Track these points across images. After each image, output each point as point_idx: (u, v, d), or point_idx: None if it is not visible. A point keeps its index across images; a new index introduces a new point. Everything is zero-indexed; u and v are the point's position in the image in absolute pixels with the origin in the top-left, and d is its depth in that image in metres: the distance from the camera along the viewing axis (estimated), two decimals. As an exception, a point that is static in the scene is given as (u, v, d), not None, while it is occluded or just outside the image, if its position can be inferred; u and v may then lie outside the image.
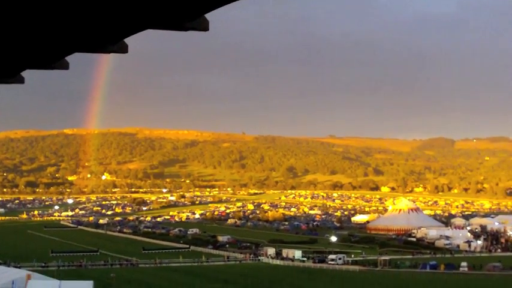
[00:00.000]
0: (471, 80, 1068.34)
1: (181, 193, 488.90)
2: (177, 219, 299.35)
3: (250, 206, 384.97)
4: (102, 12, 11.98)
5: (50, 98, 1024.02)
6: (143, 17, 12.31)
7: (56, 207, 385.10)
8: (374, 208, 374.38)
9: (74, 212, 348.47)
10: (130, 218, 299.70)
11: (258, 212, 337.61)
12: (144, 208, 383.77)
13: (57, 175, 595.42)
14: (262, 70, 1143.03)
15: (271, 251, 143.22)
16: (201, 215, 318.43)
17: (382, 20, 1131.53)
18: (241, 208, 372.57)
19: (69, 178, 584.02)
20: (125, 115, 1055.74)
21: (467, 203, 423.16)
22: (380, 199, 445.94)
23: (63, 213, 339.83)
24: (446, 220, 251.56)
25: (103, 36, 13.98)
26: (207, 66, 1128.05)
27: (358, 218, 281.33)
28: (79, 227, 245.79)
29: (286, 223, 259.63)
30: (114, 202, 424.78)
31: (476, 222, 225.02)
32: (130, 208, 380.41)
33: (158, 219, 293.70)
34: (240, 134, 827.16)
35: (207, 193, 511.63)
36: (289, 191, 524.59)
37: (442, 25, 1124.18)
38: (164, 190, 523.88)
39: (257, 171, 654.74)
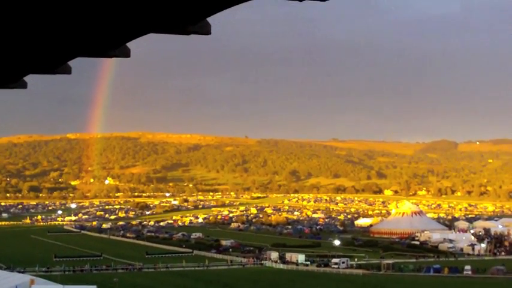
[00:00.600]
0: (474, 82, 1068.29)
1: (184, 197, 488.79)
2: (180, 223, 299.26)
3: (254, 210, 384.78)
4: (105, 17, 11.97)
5: (53, 102, 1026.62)
6: (145, 21, 12.32)
7: (59, 212, 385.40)
8: (377, 211, 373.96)
9: (77, 217, 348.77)
10: (134, 222, 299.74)
11: (261, 215, 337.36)
12: (147, 212, 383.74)
13: (60, 180, 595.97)
14: (265, 73, 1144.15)
15: (274, 255, 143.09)
16: (204, 219, 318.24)
17: (384, 22, 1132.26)
18: (244, 212, 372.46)
19: (72, 183, 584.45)
20: (128, 119, 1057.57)
21: (470, 205, 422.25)
22: (383, 202, 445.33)
23: (67, 218, 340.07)
24: (449, 223, 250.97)
25: (105, 41, 13.99)
26: (209, 69, 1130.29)
27: (362, 222, 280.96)
28: (82, 231, 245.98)
29: (290, 227, 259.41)
30: (117, 206, 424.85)
31: (480, 225, 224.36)
32: (133, 212, 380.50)
33: (161, 223, 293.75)
34: (243, 137, 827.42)
35: (210, 197, 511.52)
36: (292, 195, 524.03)
37: (445, 26, 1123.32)
38: (167, 194, 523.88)
39: (260, 175, 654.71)
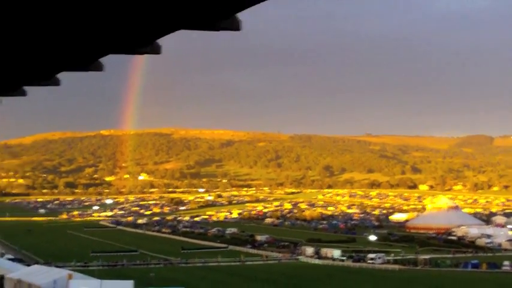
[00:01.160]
0: (509, 76, 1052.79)
1: (218, 193, 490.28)
2: (215, 218, 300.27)
3: (288, 205, 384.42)
4: (135, 14, 12.03)
5: (86, 99, 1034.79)
6: (176, 18, 12.31)
7: (95, 207, 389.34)
8: (412, 207, 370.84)
9: (112, 212, 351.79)
10: (169, 218, 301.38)
11: (295, 211, 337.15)
12: (182, 208, 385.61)
13: (95, 176, 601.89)
14: (297, 69, 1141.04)
15: (309, 250, 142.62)
16: (238, 214, 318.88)
17: (416, 17, 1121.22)
18: (278, 207, 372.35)
19: (107, 179, 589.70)
20: (160, 115, 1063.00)
21: (508, 200, 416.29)
22: (418, 197, 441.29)
23: (102, 214, 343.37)
24: (486, 218, 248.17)
25: (136, 38, 14.08)
26: (240, 65, 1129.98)
27: (397, 217, 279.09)
28: (118, 227, 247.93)
29: (324, 222, 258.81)
30: (152, 202, 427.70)
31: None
32: (168, 208, 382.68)
33: (196, 218, 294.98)
34: (276, 133, 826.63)
35: (244, 192, 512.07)
36: (326, 190, 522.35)
37: (478, 21, 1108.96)
38: (201, 190, 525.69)
39: (293, 170, 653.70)
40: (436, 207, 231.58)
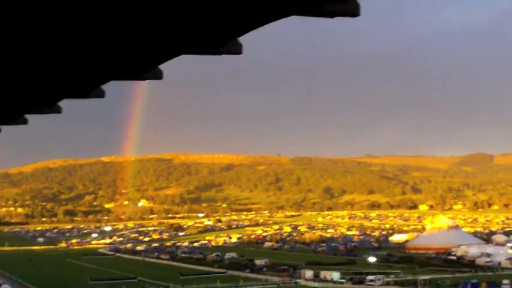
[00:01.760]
0: (508, 94, 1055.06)
1: (218, 217, 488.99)
2: (214, 243, 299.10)
3: (287, 229, 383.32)
4: (137, 41, 12.14)
5: (87, 126, 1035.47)
6: (177, 43, 12.42)
7: (94, 235, 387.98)
8: (412, 227, 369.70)
9: (111, 240, 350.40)
10: (168, 243, 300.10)
11: (295, 234, 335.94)
12: (181, 233, 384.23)
13: (94, 203, 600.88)
14: (296, 90, 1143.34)
15: (309, 273, 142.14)
16: (238, 238, 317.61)
17: (416, 35, 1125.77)
18: (278, 231, 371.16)
19: (107, 206, 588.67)
20: (161, 141, 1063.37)
21: (508, 219, 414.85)
22: (418, 217, 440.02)
23: (101, 241, 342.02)
24: (487, 237, 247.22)
25: (138, 64, 14.18)
26: (239, 87, 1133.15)
27: (397, 238, 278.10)
28: (117, 254, 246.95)
29: (324, 245, 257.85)
30: (152, 228, 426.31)
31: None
32: (167, 234, 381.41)
33: (195, 244, 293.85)
34: (276, 156, 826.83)
35: (244, 216, 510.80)
36: (326, 212, 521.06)
37: (477, 37, 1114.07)
38: (201, 215, 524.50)
39: (294, 193, 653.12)
40: (436, 227, 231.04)
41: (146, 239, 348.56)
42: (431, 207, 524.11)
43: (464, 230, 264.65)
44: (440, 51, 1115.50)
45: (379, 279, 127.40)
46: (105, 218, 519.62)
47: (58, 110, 18.96)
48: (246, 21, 11.28)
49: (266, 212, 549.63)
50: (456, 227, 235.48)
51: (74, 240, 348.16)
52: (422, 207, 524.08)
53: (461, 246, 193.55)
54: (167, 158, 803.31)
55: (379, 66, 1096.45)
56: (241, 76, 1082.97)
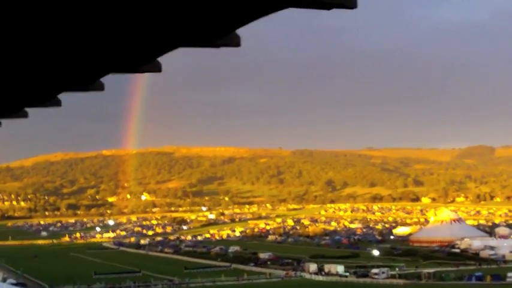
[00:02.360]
0: (508, 86, 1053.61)
1: (221, 211, 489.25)
2: (217, 237, 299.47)
3: (290, 222, 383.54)
4: (135, 33, 12.11)
5: (87, 119, 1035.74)
6: (175, 36, 12.40)
7: (98, 228, 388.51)
8: (415, 220, 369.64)
9: (115, 233, 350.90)
10: (171, 237, 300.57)
11: (298, 227, 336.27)
12: (185, 227, 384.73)
13: (97, 197, 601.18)
14: (297, 84, 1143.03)
15: (312, 266, 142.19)
16: (241, 232, 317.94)
17: (416, 31, 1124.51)
18: (281, 224, 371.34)
19: (109, 199, 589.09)
20: (162, 134, 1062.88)
21: (510, 211, 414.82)
22: (421, 210, 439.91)
23: (105, 235, 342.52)
24: (490, 230, 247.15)
25: (136, 57, 14.19)
26: (240, 81, 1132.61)
27: (400, 231, 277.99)
28: (120, 248, 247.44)
29: (327, 238, 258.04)
30: (155, 222, 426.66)
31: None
32: (170, 227, 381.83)
33: (199, 237, 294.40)
34: (277, 149, 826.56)
35: (246, 210, 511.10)
36: (328, 205, 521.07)
37: (478, 33, 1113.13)
38: (203, 208, 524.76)
39: (295, 186, 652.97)
40: (439, 220, 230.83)
41: (150, 232, 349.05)
42: (433, 199, 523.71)
43: (467, 222, 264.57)
44: (441, 48, 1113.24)
45: (383, 272, 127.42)
46: (108, 211, 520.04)
47: (58, 103, 18.96)
48: (244, 13, 11.24)
49: (268, 205, 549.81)
50: (459, 219, 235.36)
51: (78, 234, 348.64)
52: (425, 200, 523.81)
53: (465, 239, 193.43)
54: (168, 151, 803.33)
55: (380, 61, 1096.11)
56: (241, 71, 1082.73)
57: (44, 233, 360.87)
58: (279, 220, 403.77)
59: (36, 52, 13.07)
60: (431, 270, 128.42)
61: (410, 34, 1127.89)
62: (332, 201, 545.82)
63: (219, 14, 11.25)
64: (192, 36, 12.44)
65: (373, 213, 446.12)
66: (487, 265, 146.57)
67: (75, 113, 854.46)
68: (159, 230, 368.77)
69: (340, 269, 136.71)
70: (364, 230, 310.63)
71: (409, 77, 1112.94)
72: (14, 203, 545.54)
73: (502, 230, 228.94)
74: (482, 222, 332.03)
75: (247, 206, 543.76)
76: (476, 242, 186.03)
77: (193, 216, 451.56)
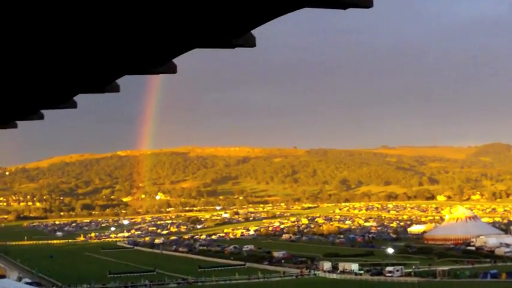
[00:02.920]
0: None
1: (235, 210, 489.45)
2: (231, 236, 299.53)
3: (305, 221, 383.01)
4: (151, 35, 12.16)
5: (103, 121, 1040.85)
6: (191, 37, 12.37)
7: (112, 228, 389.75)
8: (430, 218, 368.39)
9: (129, 233, 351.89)
10: (185, 236, 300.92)
11: (312, 226, 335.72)
12: (199, 226, 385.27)
13: (112, 197, 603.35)
14: (311, 83, 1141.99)
15: (327, 265, 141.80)
16: (255, 231, 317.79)
17: (431, 27, 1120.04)
18: (295, 223, 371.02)
19: (124, 199, 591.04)
20: (177, 134, 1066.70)
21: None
22: (436, 208, 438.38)
23: (120, 235, 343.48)
24: (505, 227, 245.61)
25: (152, 58, 14.17)
26: (255, 81, 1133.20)
27: (415, 229, 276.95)
28: (135, 247, 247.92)
29: (342, 236, 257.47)
30: (169, 221, 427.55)
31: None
32: (185, 227, 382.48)
33: (213, 236, 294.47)
34: (291, 148, 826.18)
35: (261, 209, 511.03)
36: (343, 204, 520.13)
37: (494, 29, 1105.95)
38: (218, 207, 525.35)
39: (310, 185, 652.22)
40: (454, 218, 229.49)
41: (164, 232, 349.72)
42: (449, 197, 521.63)
43: (482, 220, 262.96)
44: (456, 44, 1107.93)
45: (397, 270, 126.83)
46: (123, 211, 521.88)
47: (73, 105, 18.96)
48: (260, 13, 11.22)
49: (283, 204, 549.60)
50: (475, 217, 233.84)
51: (93, 234, 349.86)
52: (440, 198, 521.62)
53: (480, 237, 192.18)
54: (183, 152, 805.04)
55: (396, 59, 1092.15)
56: (256, 70, 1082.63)
57: (59, 233, 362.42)
58: (293, 219, 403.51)
59: (52, 54, 13.11)
60: (446, 268, 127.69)
61: (426, 31, 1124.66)
62: (347, 200, 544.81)
63: (235, 14, 11.23)
64: (208, 37, 12.46)
65: (388, 212, 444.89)
66: (502, 262, 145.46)
67: (90, 114, 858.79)
68: (173, 229, 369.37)
69: (354, 267, 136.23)
70: (378, 228, 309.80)
71: (425, 75, 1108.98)
72: (30, 203, 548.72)
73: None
74: (497, 220, 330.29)
75: (261, 205, 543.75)
76: (492, 240, 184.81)
77: (207, 216, 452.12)
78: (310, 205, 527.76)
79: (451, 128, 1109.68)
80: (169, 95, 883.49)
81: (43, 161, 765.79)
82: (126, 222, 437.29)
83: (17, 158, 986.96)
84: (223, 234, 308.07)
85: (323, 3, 10.77)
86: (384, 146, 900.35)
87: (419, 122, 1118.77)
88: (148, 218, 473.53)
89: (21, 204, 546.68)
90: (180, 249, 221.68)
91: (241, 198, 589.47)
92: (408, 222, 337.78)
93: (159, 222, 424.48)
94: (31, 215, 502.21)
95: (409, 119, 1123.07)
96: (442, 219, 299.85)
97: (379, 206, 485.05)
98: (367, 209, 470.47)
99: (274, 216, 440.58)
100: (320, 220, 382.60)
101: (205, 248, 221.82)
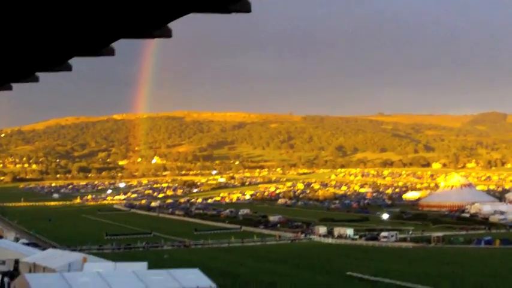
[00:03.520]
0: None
1: (231, 174, 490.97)
2: (227, 200, 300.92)
3: (300, 186, 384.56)
4: None
5: (98, 84, 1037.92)
6: (187, 1, 12.26)
7: (109, 191, 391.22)
8: (425, 185, 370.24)
9: (126, 196, 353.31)
10: (182, 200, 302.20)
11: (308, 191, 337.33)
12: (195, 190, 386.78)
13: (108, 160, 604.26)
14: (309, 50, 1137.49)
15: (322, 229, 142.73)
16: (251, 195, 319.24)
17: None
18: (291, 188, 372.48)
19: (120, 163, 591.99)
20: (173, 99, 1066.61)
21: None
22: (431, 175, 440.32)
23: (116, 197, 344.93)
24: (500, 195, 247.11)
25: (147, 22, 14.04)
26: (252, 47, 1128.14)
27: (410, 195, 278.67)
28: (132, 210, 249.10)
29: (337, 202, 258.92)
30: (165, 185, 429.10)
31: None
32: (181, 190, 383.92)
33: (209, 200, 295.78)
34: (288, 114, 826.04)
35: (257, 174, 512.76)
36: (339, 170, 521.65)
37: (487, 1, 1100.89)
38: (214, 172, 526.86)
39: (306, 151, 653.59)
40: (449, 185, 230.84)
41: (160, 195, 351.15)
42: (444, 165, 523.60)
43: (477, 188, 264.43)
44: (454, 13, 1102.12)
45: (392, 236, 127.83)
46: (119, 174, 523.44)
47: (69, 68, 18.96)
48: None
49: (279, 169, 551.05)
50: (469, 185, 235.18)
51: (89, 197, 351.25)
52: (435, 166, 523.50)
53: (475, 204, 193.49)
54: (179, 116, 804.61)
55: (392, 28, 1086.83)
56: (253, 37, 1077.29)
57: (55, 195, 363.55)
58: (289, 184, 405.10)
59: (47, 16, 13.01)
60: (440, 234, 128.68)
61: (426, 2, 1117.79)
62: (342, 166, 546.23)
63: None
64: (204, 2, 12.36)
65: (384, 178, 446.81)
66: (496, 230, 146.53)
67: (87, 77, 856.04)
68: (169, 192, 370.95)
69: (349, 232, 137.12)
70: (374, 194, 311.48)
71: (422, 43, 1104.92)
72: (26, 165, 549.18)
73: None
74: (492, 187, 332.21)
75: (257, 170, 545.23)
76: (486, 207, 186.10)
77: (203, 180, 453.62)
78: (306, 171, 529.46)
79: (448, 96, 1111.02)
80: (166, 60, 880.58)
81: (39, 124, 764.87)
82: (122, 185, 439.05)
83: (13, 120, 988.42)
84: (219, 198, 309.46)
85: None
86: (380, 113, 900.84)
87: (416, 89, 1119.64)
88: (144, 181, 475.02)
89: (17, 166, 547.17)
90: (177, 212, 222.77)
91: (237, 163, 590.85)
92: (403, 189, 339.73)
93: (155, 186, 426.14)
94: (27, 177, 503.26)
95: (405, 87, 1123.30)
96: (437, 186, 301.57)
97: (375, 173, 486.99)
98: (362, 175, 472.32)
99: (270, 181, 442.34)
100: (316, 186, 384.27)
101: (201, 211, 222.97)
